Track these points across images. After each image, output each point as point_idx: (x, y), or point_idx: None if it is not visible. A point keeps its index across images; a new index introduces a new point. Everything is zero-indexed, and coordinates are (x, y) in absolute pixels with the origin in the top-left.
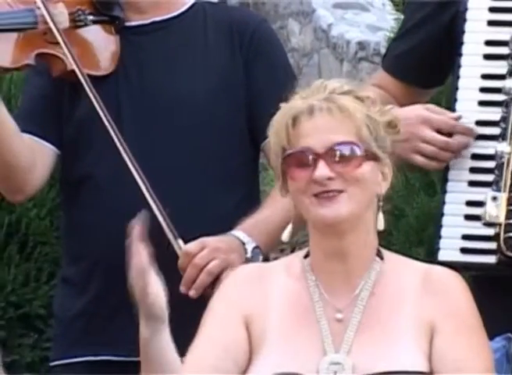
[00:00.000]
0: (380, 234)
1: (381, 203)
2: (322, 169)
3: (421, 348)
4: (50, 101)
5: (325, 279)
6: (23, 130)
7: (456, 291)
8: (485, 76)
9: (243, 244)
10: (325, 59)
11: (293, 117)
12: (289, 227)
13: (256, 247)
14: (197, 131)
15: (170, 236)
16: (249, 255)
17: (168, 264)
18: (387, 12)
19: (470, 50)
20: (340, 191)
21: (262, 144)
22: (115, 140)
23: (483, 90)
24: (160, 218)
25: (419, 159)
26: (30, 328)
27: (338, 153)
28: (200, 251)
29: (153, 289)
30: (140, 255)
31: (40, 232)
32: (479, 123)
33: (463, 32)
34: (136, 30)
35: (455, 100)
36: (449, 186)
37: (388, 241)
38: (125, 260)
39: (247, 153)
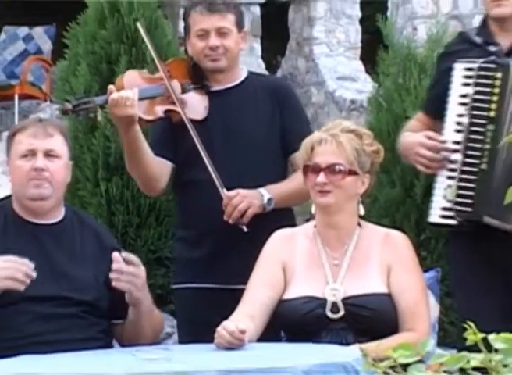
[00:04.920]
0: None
1: (360, 199)
2: (321, 178)
3: (383, 280)
4: (169, 136)
5: (326, 240)
6: (155, 154)
7: (404, 246)
8: (459, 115)
9: (262, 195)
10: (332, 110)
11: (312, 143)
12: (314, 205)
13: (270, 198)
14: (257, 153)
15: (220, 188)
16: (265, 202)
17: (220, 205)
18: (368, 82)
19: (452, 99)
20: (329, 191)
21: (289, 158)
22: (203, 156)
23: (458, 124)
24: (216, 181)
25: (419, 167)
26: (162, 265)
27: (332, 169)
28: (236, 196)
29: None
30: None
31: (167, 209)
32: (454, 142)
33: (450, 89)
34: (216, 93)
35: (443, 129)
36: (438, 178)
37: (368, 215)
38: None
39: (282, 164)
